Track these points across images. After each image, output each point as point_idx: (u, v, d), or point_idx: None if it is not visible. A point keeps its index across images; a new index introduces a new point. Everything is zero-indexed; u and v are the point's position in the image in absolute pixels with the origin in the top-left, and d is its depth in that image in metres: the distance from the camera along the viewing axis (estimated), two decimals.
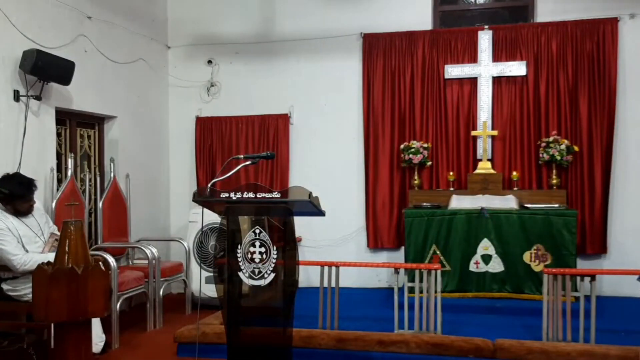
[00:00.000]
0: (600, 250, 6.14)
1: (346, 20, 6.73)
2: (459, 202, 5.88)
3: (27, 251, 4.08)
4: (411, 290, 4.68)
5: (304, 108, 6.85)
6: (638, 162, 6.17)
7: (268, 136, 6.85)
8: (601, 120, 6.18)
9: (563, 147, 6.06)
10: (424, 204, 6.10)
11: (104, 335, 4.25)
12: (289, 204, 3.38)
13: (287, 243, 3.42)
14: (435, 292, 4.45)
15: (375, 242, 6.64)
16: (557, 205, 5.81)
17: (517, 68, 6.37)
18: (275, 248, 3.37)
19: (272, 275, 3.36)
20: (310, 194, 3.34)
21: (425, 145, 6.37)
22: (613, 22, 6.15)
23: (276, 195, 3.39)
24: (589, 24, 6.21)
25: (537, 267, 5.50)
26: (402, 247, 6.19)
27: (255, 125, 6.89)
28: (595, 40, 6.19)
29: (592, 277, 4.33)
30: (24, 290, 4.04)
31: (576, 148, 6.14)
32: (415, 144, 6.37)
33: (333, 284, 4.67)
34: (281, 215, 3.40)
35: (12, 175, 4.26)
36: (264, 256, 3.37)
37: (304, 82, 6.85)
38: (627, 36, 6.17)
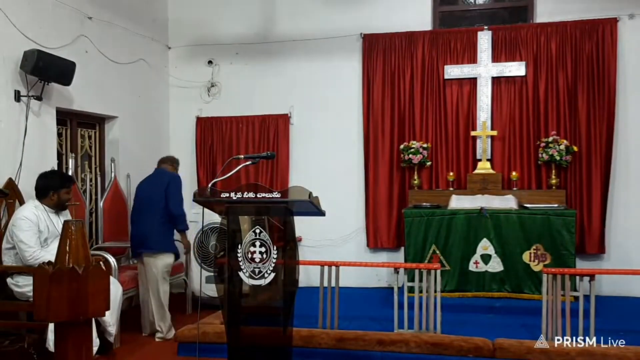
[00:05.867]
0: (601, 250, 6.15)
1: (346, 21, 6.75)
2: (459, 202, 5.89)
3: (47, 246, 4.19)
4: (411, 290, 4.70)
5: (304, 108, 6.87)
6: (638, 162, 6.18)
7: (268, 136, 6.87)
8: (600, 121, 6.19)
9: (562, 147, 6.07)
10: (424, 204, 6.12)
11: (97, 340, 4.28)
12: (289, 204, 3.39)
13: (287, 243, 3.43)
14: (435, 291, 4.46)
15: (375, 242, 6.65)
16: (556, 205, 5.82)
17: (516, 68, 6.38)
18: (275, 248, 3.38)
19: (273, 274, 3.37)
20: (310, 194, 3.35)
21: (425, 145, 6.39)
22: (612, 23, 6.17)
23: (276, 195, 3.40)
24: (589, 25, 6.22)
25: (536, 266, 5.51)
26: (402, 247, 6.21)
27: (255, 126, 6.91)
28: (595, 41, 6.20)
29: (592, 277, 4.34)
30: (27, 287, 4.07)
31: (575, 148, 6.15)
32: (415, 144, 6.38)
33: (333, 284, 4.68)
34: (281, 215, 3.41)
35: (51, 171, 4.63)
36: (264, 256, 3.38)
37: (304, 82, 6.86)
38: (626, 36, 6.18)
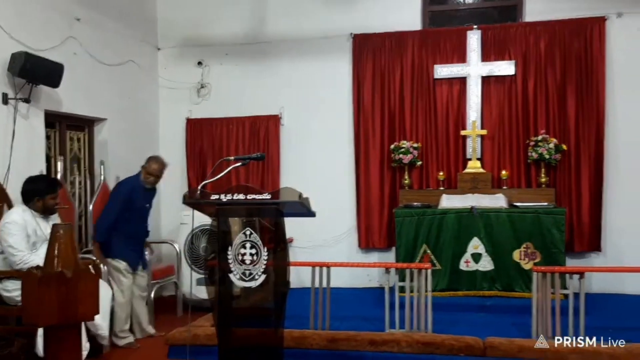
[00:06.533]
0: (590, 248, 6.19)
1: (336, 21, 6.74)
2: (449, 201, 5.91)
3: (36, 250, 4.17)
4: (402, 289, 4.71)
5: (295, 109, 6.86)
6: (628, 160, 6.21)
7: (259, 137, 6.85)
8: (589, 119, 6.22)
9: (551, 145, 6.10)
10: (415, 203, 6.13)
11: (87, 344, 4.27)
12: (279, 205, 3.38)
13: (277, 244, 3.43)
14: (426, 291, 4.47)
15: (366, 242, 6.65)
16: (546, 204, 5.86)
17: (506, 67, 6.40)
18: (266, 249, 3.38)
19: (263, 276, 3.37)
20: (300, 195, 3.35)
21: (416, 145, 6.40)
22: (600, 21, 6.20)
23: (267, 196, 3.39)
24: (577, 23, 6.26)
25: (526, 265, 5.53)
26: (393, 247, 6.22)
27: (246, 127, 6.89)
28: (583, 40, 6.24)
29: (581, 275, 4.36)
30: (16, 292, 4.05)
31: (565, 147, 6.18)
32: (405, 143, 6.39)
33: (324, 285, 4.68)
34: (272, 216, 3.41)
35: (37, 175, 4.57)
36: (255, 257, 3.38)
37: (295, 82, 6.85)
38: (614, 35, 6.21)
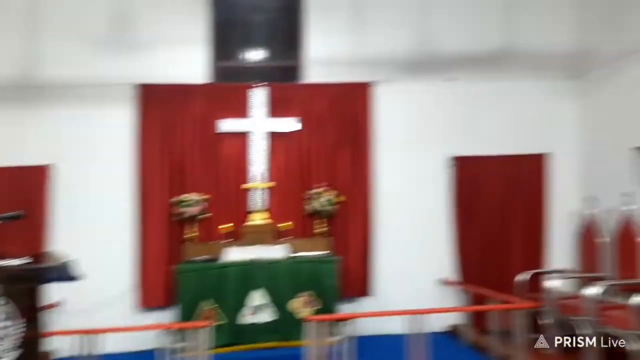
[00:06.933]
0: (362, 293, 6.68)
1: (119, 69, 6.50)
2: (233, 254, 5.96)
3: None
4: (182, 349, 4.56)
5: (69, 160, 6.39)
6: (392, 212, 6.81)
7: (24, 192, 6.19)
8: (361, 174, 6.81)
9: (328, 198, 6.52)
10: (198, 257, 6.06)
11: None
12: (40, 270, 3.10)
13: (36, 314, 3.11)
14: (206, 349, 4.39)
15: (146, 302, 6.35)
16: (324, 253, 6.22)
17: (288, 124, 6.74)
18: (20, 321, 3.04)
19: (16, 352, 3.01)
20: (64, 258, 3.12)
21: (200, 198, 6.37)
22: (368, 86, 6.86)
23: (24, 261, 3.09)
24: (350, 87, 6.86)
25: (305, 313, 5.72)
26: (175, 305, 6.01)
27: (8, 179, 6.20)
28: (355, 102, 6.86)
29: (352, 320, 4.68)
30: None
31: (340, 199, 6.62)
32: (189, 196, 6.33)
33: (94, 352, 4.33)
34: (30, 283, 3.09)
35: None
36: (7, 331, 3.02)
37: (70, 132, 6.41)
38: (380, 98, 6.88)
